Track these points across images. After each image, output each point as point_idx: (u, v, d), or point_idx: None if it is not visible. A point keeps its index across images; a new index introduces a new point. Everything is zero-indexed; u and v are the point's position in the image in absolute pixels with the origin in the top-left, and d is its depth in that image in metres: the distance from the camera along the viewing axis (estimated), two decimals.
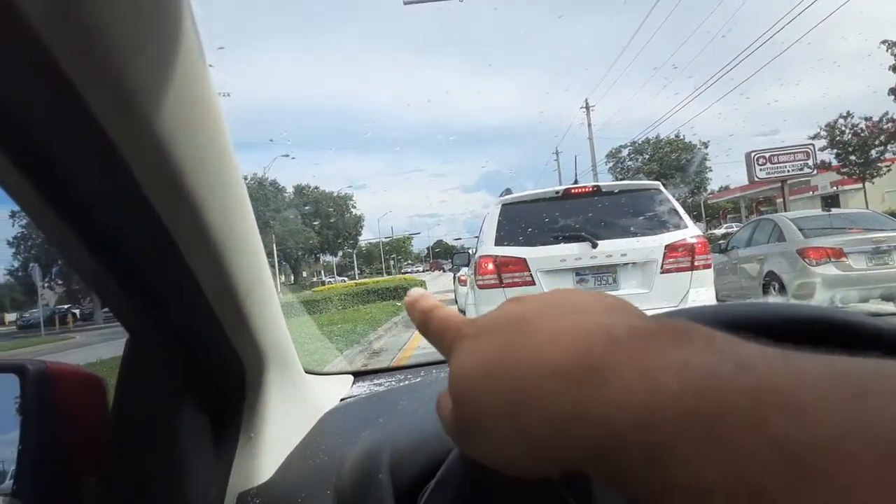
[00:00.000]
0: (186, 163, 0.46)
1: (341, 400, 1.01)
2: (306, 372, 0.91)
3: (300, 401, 0.84)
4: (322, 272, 59.96)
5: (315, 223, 51.63)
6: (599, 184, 5.48)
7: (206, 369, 0.66)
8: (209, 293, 0.58)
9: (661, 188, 5.25)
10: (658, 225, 4.97)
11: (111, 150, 0.42)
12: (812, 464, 0.20)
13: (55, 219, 0.48)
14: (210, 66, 0.48)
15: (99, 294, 0.59)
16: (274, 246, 33.60)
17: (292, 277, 48.47)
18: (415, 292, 0.44)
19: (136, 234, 0.52)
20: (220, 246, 0.55)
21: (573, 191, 5.27)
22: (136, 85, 0.40)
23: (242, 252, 0.59)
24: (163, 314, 0.60)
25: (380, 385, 1.08)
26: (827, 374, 0.22)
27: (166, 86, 0.42)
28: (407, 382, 1.05)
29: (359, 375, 1.18)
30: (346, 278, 52.36)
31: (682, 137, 41.77)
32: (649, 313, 0.37)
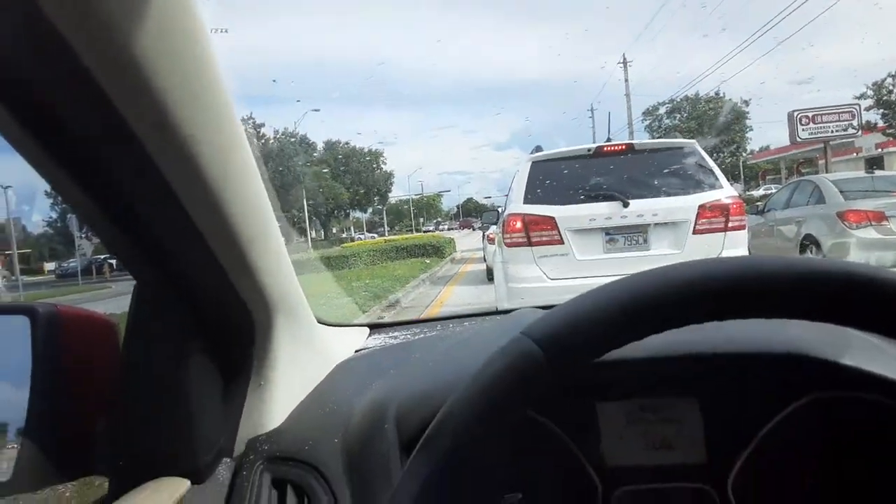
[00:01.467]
0: (170, 94, 0.44)
1: (356, 351, 1.01)
2: (320, 322, 0.90)
3: (311, 350, 0.83)
4: (352, 228, 60.41)
5: (345, 178, 51.75)
6: (632, 141, 5.34)
7: (214, 317, 0.65)
8: (210, 240, 0.56)
9: (697, 147, 5.10)
10: (692, 184, 4.84)
11: (91, 80, 0.40)
12: None
13: (50, 163, 0.47)
14: None
15: (103, 240, 0.58)
16: (304, 201, 33.79)
17: (322, 233, 48.95)
18: None
19: (129, 175, 0.50)
20: (217, 189, 0.52)
21: (605, 149, 5.14)
22: (113, 8, 0.37)
23: (243, 198, 0.57)
24: (166, 261, 0.59)
25: (395, 338, 1.07)
26: None
27: (144, 12, 0.39)
28: (423, 336, 1.04)
29: (375, 328, 1.17)
30: (375, 235, 52.72)
31: (721, 95, 40.63)
32: None
